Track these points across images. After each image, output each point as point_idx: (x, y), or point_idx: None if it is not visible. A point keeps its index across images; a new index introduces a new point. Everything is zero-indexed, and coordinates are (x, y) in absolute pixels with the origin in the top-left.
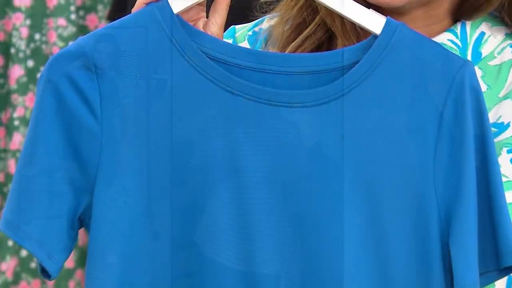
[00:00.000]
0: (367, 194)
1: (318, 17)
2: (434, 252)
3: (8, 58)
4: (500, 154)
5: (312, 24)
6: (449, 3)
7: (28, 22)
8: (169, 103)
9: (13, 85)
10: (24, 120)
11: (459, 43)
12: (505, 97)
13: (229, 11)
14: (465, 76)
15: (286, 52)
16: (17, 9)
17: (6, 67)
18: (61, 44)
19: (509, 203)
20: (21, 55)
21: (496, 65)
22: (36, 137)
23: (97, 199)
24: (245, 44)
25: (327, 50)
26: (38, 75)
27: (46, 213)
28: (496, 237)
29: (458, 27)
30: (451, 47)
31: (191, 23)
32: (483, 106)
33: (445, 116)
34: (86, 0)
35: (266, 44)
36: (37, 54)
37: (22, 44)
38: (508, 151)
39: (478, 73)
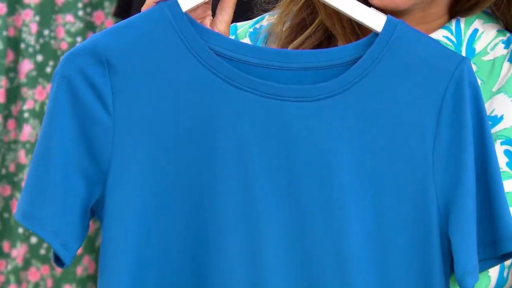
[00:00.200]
0: (370, 185)
1: (317, 20)
2: (434, 241)
3: (18, 53)
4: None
5: (312, 26)
6: (447, 2)
7: (37, 18)
8: (178, 98)
9: (22, 79)
10: (33, 113)
11: (454, 39)
12: (498, 91)
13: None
14: (464, 72)
15: None
16: (27, 6)
17: (16, 61)
18: (69, 39)
19: (506, 193)
20: (30, 50)
21: (489, 60)
22: (50, 131)
23: (109, 191)
24: (247, 41)
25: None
26: (47, 69)
27: (60, 204)
28: (496, 225)
29: (453, 24)
30: (446, 43)
31: (198, 21)
32: (481, 100)
33: (444, 110)
34: None
35: (265, 44)
36: (46, 49)
37: (31, 40)
38: (502, 143)
39: (473, 68)
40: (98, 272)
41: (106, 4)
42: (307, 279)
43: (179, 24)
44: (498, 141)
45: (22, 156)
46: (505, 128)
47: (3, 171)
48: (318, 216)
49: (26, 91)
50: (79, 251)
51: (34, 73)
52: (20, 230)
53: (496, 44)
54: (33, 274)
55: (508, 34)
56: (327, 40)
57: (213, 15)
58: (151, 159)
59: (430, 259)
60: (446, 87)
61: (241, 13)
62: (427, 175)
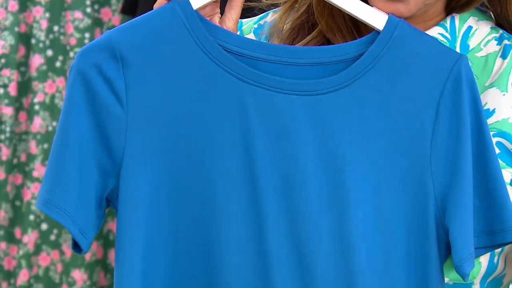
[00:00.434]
0: (370, 175)
1: (318, 28)
2: (430, 229)
3: (29, 48)
4: None
5: (313, 33)
6: (444, 1)
7: (47, 15)
8: (189, 93)
9: (33, 73)
10: (43, 105)
11: (448, 36)
12: (491, 86)
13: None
14: (461, 69)
15: None
16: (37, 3)
17: (27, 56)
18: (77, 35)
19: None
20: (41, 45)
21: (482, 56)
22: (67, 123)
23: (123, 181)
24: (251, 36)
25: None
26: (56, 64)
27: (77, 193)
28: (498, 216)
29: (447, 22)
30: (441, 40)
31: (207, 19)
32: (478, 95)
33: (442, 104)
34: None
35: (269, 41)
36: (56, 44)
37: (41, 35)
38: (494, 135)
39: None
40: (114, 257)
41: (113, 1)
42: (310, 264)
43: (189, 22)
44: (491, 134)
45: (33, 147)
46: (497, 121)
47: (15, 160)
48: (321, 204)
49: (36, 85)
50: None
51: (44, 67)
52: (31, 217)
53: (489, 41)
54: (43, 259)
55: (501, 31)
56: (327, 42)
57: (221, 13)
58: (163, 151)
59: (426, 246)
60: (445, 83)
61: (247, 10)
62: (425, 166)
